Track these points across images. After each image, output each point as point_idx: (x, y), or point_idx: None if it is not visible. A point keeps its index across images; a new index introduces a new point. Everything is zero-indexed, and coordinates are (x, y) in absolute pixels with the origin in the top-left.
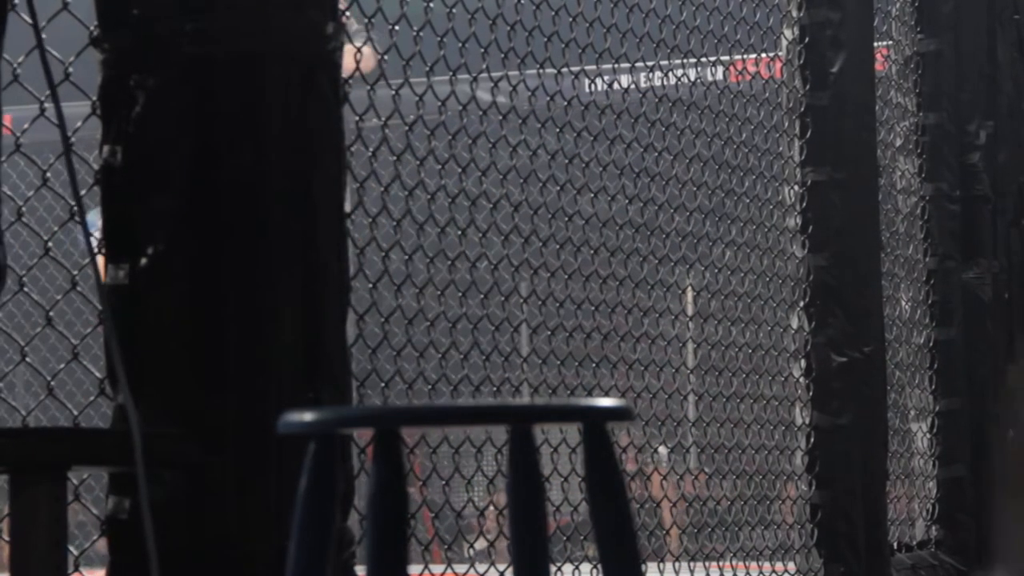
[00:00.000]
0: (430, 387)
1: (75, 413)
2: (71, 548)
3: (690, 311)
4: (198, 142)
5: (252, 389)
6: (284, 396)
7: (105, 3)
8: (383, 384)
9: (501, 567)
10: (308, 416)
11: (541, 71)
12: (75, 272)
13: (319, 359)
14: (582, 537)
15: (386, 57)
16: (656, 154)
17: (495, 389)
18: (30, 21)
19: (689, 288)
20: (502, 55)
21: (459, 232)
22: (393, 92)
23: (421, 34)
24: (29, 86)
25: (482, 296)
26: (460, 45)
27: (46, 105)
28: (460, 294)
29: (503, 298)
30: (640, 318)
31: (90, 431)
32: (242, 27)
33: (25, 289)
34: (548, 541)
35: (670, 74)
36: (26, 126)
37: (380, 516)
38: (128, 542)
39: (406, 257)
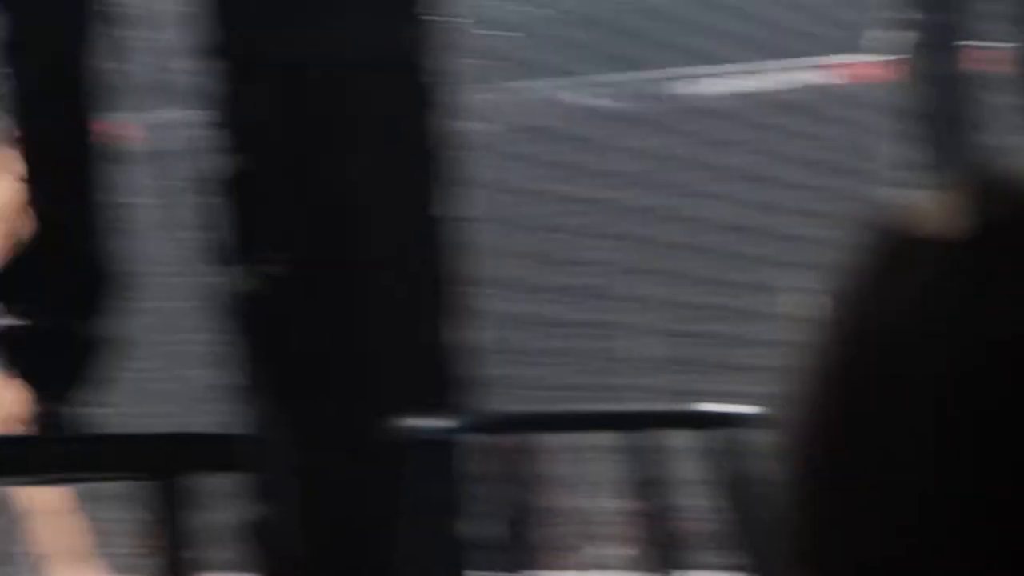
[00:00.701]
0: (556, 392)
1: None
2: (199, 552)
3: None
4: (301, 151)
5: (373, 396)
6: (403, 403)
7: (212, 18)
8: (507, 389)
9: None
10: (427, 423)
11: (650, 75)
12: (197, 280)
13: (438, 366)
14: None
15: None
16: (768, 159)
17: (613, 395)
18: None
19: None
20: (608, 59)
21: (577, 237)
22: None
23: (531, 38)
24: (149, 96)
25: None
26: (566, 50)
27: (166, 114)
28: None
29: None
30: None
31: (218, 437)
32: (345, 39)
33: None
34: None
35: (787, 75)
36: (148, 134)
37: (507, 520)
38: (255, 546)
39: (526, 261)
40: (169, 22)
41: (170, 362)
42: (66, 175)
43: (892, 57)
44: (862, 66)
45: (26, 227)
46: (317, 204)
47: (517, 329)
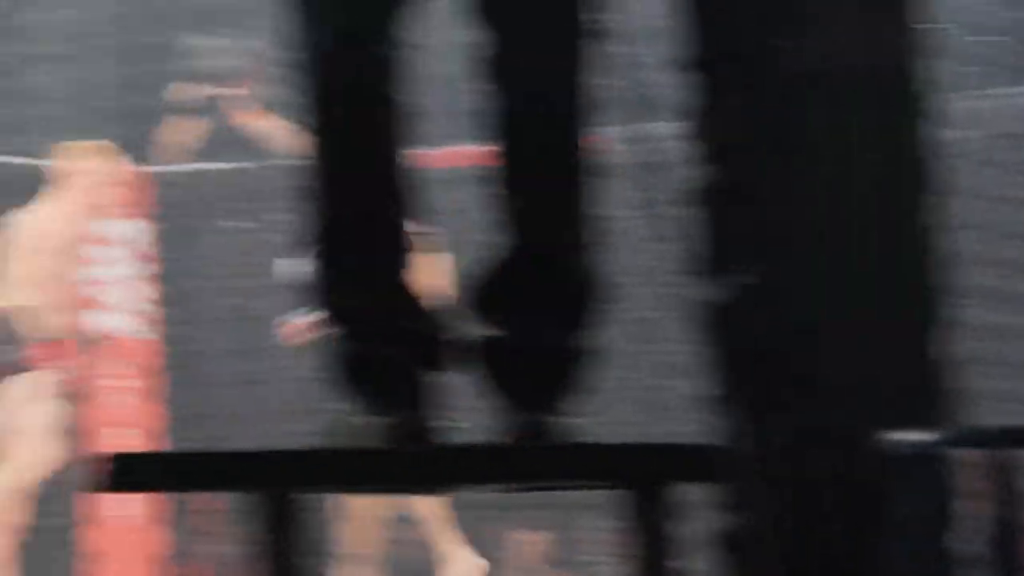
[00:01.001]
0: None
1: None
2: (679, 562)
3: None
4: (786, 160)
5: (855, 410)
6: (886, 414)
7: (692, 26)
8: (983, 402)
9: None
10: (913, 436)
11: None
12: (674, 290)
13: (920, 377)
14: None
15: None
16: None
17: None
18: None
19: None
20: None
21: None
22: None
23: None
24: (629, 109)
25: None
26: None
27: (646, 127)
28: None
29: None
30: None
31: (691, 446)
32: (839, 43)
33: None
34: None
35: None
36: (629, 147)
37: (1000, 539)
38: (732, 558)
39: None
40: (646, 35)
41: (650, 372)
42: (552, 190)
43: None
44: None
45: (506, 242)
46: (795, 214)
47: (993, 340)
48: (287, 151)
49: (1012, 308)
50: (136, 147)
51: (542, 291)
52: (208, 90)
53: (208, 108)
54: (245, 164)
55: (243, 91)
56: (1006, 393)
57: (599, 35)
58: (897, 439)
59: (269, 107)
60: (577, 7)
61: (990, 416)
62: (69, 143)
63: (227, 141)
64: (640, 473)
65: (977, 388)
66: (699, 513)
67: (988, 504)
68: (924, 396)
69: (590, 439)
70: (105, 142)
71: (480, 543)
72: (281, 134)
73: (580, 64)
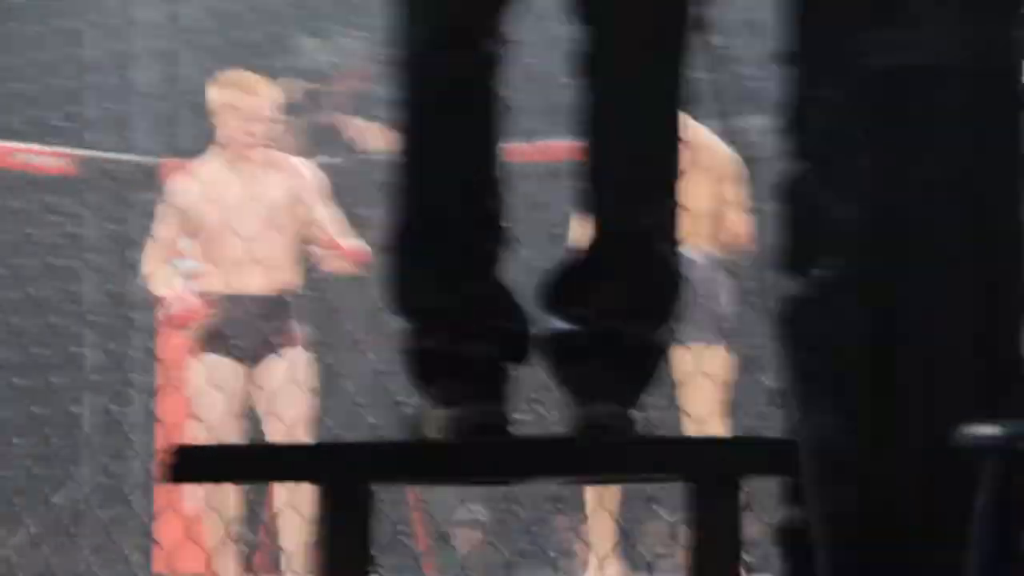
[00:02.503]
0: None
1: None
2: (748, 555)
3: None
4: (878, 153)
5: (928, 400)
6: (961, 408)
7: (786, 20)
8: None
9: None
10: (987, 429)
11: None
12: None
13: (996, 369)
14: None
15: None
16: None
17: None
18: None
19: None
20: None
21: None
22: None
23: None
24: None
25: None
26: None
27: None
28: None
29: None
30: None
31: (763, 440)
32: (927, 40)
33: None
34: None
35: None
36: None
37: None
38: (798, 551)
39: None
40: (743, 29)
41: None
42: (641, 186)
43: None
44: None
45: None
46: (884, 210)
47: None
48: (380, 148)
49: None
50: None
51: (624, 285)
52: (308, 86)
53: (307, 105)
54: (337, 160)
55: (343, 88)
56: None
57: (698, 29)
58: (977, 433)
59: (366, 104)
60: (677, 1)
61: None
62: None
63: (323, 137)
64: (712, 467)
65: None
66: (770, 509)
67: None
68: (1003, 391)
69: (663, 433)
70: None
71: (546, 535)
72: (375, 132)
73: (678, 59)
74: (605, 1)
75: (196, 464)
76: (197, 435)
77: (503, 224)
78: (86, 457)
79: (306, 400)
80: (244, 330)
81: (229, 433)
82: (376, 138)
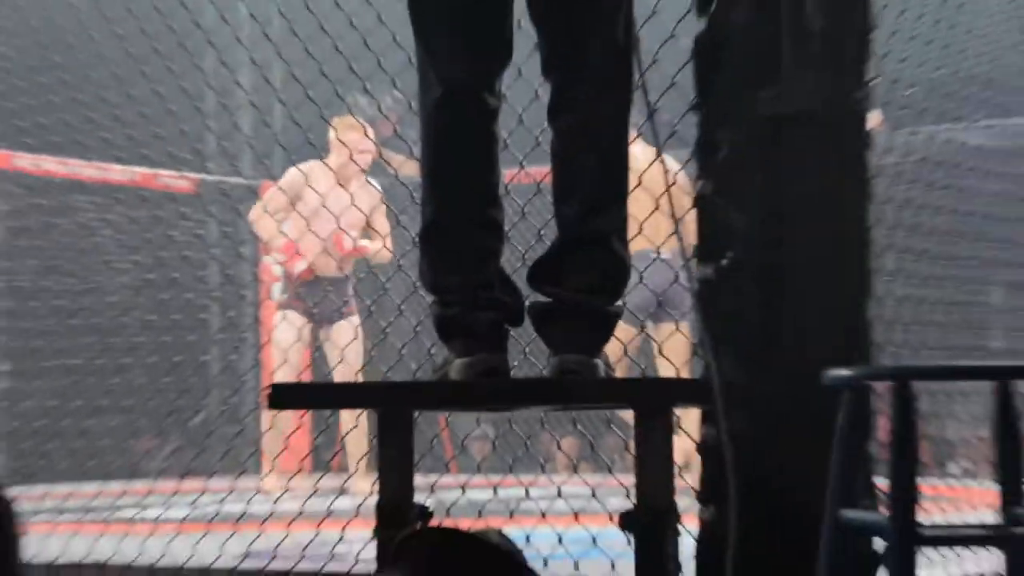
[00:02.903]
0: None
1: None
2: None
3: None
4: (765, 177)
5: (802, 353)
6: (827, 359)
7: (701, 79)
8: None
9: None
10: (844, 372)
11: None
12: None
13: (849, 332)
14: None
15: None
16: None
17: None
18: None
19: None
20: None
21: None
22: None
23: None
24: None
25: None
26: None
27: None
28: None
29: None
30: None
31: (689, 381)
32: (800, 93)
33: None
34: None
35: None
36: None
37: (900, 447)
38: (712, 460)
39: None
40: (672, 86)
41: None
42: (595, 200)
43: None
44: None
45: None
46: (770, 215)
47: (909, 307)
48: (412, 174)
49: (923, 284)
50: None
51: (588, 271)
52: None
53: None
54: (382, 180)
55: (385, 131)
56: (918, 344)
57: (637, 87)
58: (835, 374)
59: (401, 143)
60: (621, 67)
61: (902, 360)
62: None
63: (373, 165)
64: (651, 399)
65: (895, 340)
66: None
67: (893, 419)
68: (855, 346)
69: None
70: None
71: (536, 446)
72: (408, 163)
73: (624, 107)
74: (569, 65)
75: (287, 396)
76: (282, 376)
77: (501, 227)
78: (213, 392)
79: (361, 352)
80: (320, 300)
81: (297, 365)
82: (409, 167)
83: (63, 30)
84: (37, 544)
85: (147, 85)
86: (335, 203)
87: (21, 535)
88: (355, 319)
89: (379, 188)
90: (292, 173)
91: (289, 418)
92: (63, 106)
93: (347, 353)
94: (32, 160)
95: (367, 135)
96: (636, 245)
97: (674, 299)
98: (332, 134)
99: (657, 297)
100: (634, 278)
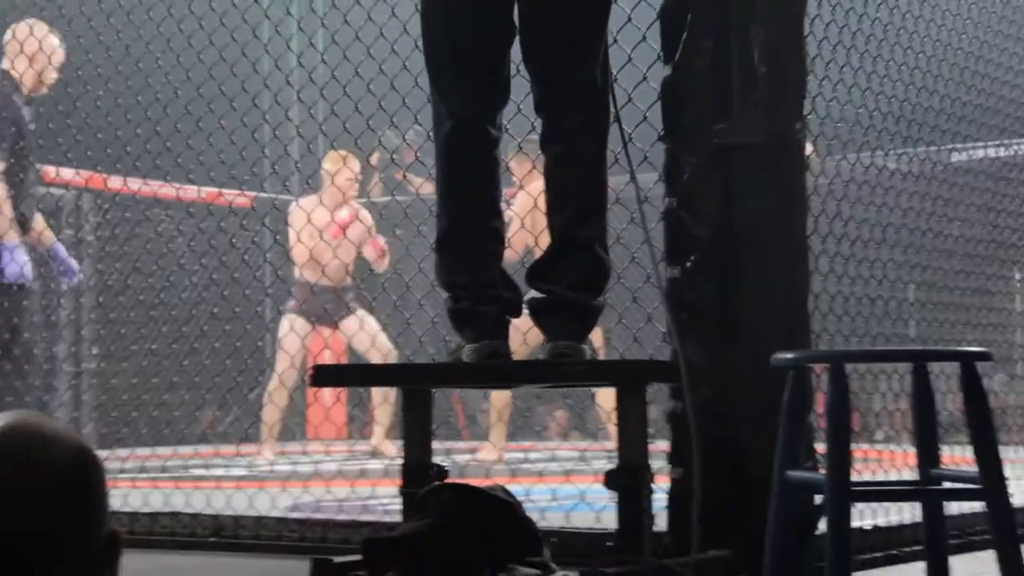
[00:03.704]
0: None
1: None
2: (650, 430)
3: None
4: (720, 194)
5: (753, 340)
6: (774, 345)
7: (667, 115)
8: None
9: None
10: (788, 356)
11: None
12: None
13: (793, 322)
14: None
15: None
16: None
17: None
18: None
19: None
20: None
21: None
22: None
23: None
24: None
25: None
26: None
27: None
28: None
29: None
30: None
31: (660, 363)
32: (748, 127)
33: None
34: (937, 431)
35: None
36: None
37: (834, 418)
38: (680, 428)
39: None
40: (644, 121)
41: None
42: (582, 214)
43: None
44: None
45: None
46: (721, 228)
47: (843, 305)
48: (430, 192)
49: (851, 283)
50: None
51: (576, 271)
52: (390, 156)
53: (390, 167)
54: (407, 199)
55: (408, 158)
56: (848, 332)
57: (613, 120)
58: (781, 356)
59: (421, 167)
60: (596, 94)
61: (835, 345)
62: (332, 151)
63: (399, 185)
64: (628, 376)
65: (829, 329)
66: (663, 401)
67: (829, 394)
68: (796, 332)
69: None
70: (351, 151)
71: (533, 417)
72: (426, 183)
73: (603, 136)
74: (557, 103)
75: (328, 375)
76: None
77: (503, 235)
78: (267, 371)
79: (377, 337)
80: (322, 305)
81: (297, 359)
82: (427, 187)
83: (144, 73)
84: (122, 497)
85: (214, 119)
86: (322, 220)
87: (109, 489)
88: (360, 313)
89: (367, 211)
90: (294, 213)
91: (285, 395)
92: (146, 137)
93: (376, 339)
94: (120, 181)
95: (347, 166)
96: None
97: None
98: (325, 165)
99: None
100: None
